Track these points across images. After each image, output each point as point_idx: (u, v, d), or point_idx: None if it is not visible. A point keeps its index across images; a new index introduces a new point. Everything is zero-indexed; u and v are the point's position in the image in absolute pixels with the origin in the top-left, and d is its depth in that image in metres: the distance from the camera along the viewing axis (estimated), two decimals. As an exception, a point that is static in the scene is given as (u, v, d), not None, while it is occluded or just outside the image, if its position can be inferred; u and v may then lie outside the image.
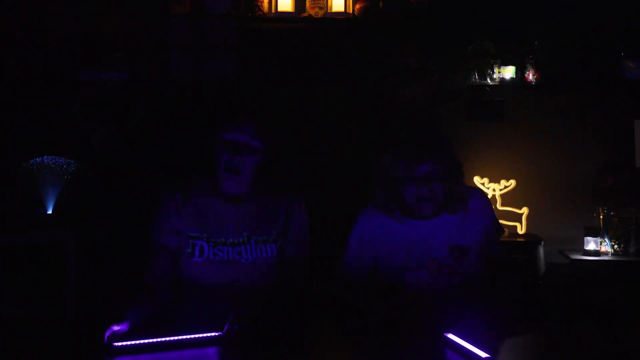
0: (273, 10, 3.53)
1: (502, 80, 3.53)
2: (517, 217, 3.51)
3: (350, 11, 3.54)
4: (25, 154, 3.21)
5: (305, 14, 3.55)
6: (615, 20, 3.53)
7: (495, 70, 3.51)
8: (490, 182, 3.53)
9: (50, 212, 3.12)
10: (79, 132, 3.42)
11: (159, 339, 1.83)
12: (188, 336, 1.86)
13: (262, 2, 3.53)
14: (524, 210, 3.52)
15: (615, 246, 3.43)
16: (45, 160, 3.08)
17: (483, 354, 1.70)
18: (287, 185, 2.32)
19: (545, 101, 3.61)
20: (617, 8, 3.53)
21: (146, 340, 1.82)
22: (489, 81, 3.51)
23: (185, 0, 3.51)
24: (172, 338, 1.85)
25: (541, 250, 3.41)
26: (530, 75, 3.52)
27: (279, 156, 2.32)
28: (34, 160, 3.08)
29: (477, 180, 3.52)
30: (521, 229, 3.51)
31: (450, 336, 1.83)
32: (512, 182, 3.54)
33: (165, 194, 2.25)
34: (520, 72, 3.55)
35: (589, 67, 3.52)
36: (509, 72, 3.54)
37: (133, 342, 1.80)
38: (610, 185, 3.54)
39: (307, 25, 3.57)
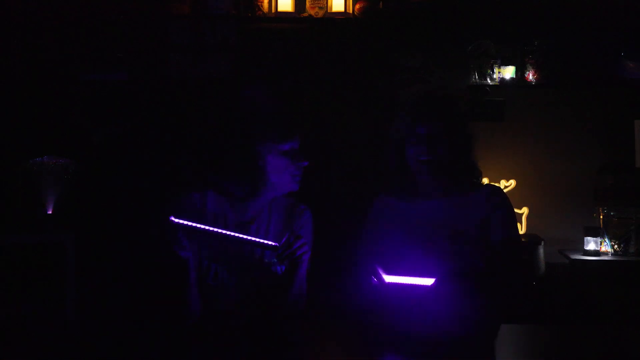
0: (273, 10, 3.53)
1: (502, 80, 3.53)
2: (517, 217, 3.50)
3: (350, 11, 3.53)
4: (25, 154, 3.20)
5: (305, 14, 3.55)
6: (615, 20, 3.53)
7: (495, 70, 3.51)
8: (490, 182, 3.53)
9: (50, 212, 3.11)
10: (79, 132, 3.42)
11: (216, 229, 1.94)
12: (245, 236, 1.97)
13: (262, 2, 3.53)
14: (524, 210, 3.52)
15: (615, 246, 3.43)
16: (45, 160, 3.07)
17: (429, 281, 1.69)
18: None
19: (545, 101, 3.61)
20: (617, 8, 3.53)
21: (203, 226, 1.93)
22: (489, 81, 3.51)
23: (185, 1, 3.51)
24: (228, 232, 1.96)
25: (541, 250, 3.41)
26: (530, 75, 3.52)
27: None
28: (34, 160, 3.07)
29: (477, 180, 3.51)
30: (521, 229, 3.51)
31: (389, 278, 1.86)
32: (512, 182, 3.54)
33: (182, 205, 2.15)
34: (520, 72, 3.55)
35: (589, 67, 3.53)
36: (509, 72, 3.54)
37: (191, 223, 1.91)
38: (610, 185, 3.54)
39: (307, 25, 3.56)
